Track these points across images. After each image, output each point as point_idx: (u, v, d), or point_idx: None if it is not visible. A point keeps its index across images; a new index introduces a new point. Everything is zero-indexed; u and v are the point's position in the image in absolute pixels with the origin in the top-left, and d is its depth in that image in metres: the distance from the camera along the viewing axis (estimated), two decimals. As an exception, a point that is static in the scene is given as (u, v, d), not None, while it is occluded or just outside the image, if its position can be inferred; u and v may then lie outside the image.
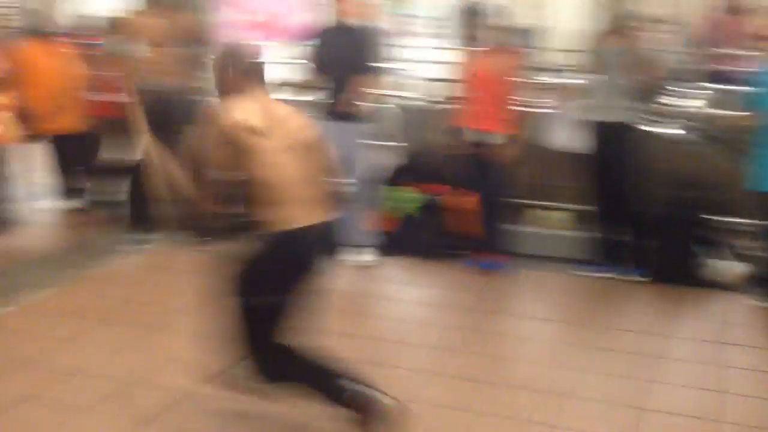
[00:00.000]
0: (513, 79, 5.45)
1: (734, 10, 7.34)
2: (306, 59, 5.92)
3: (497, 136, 5.45)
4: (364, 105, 5.72)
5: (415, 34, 10.52)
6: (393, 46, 9.60)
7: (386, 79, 5.86)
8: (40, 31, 6.92)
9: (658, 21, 6.83)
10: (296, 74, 6.11)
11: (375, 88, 5.75)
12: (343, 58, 5.65)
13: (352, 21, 5.67)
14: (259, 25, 11.12)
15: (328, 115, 5.69)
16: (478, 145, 5.51)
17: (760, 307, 5.02)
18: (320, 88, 5.81)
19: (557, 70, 7.66)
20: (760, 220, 5.12)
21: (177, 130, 6.05)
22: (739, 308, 5.05)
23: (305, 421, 3.67)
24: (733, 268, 5.38)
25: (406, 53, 9.79)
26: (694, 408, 3.80)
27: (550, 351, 4.49)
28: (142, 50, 6.02)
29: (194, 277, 5.55)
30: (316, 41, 5.86)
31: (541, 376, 4.16)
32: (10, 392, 3.94)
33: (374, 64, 5.70)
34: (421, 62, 9.73)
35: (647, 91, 5.45)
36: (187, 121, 6.11)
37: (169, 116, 6.00)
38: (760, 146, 4.90)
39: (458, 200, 5.98)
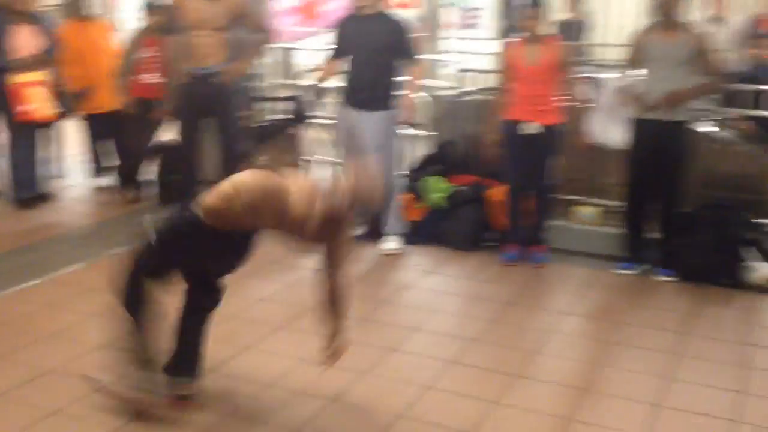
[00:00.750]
0: (555, 70, 5.38)
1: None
2: (329, 46, 5.94)
3: (537, 126, 5.41)
4: (393, 94, 5.71)
5: (451, 25, 10.52)
6: (427, 35, 9.61)
7: (419, 68, 5.79)
8: (79, 11, 7.01)
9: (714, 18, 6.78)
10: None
11: (407, 76, 5.72)
12: (363, 46, 5.64)
13: (375, 9, 5.64)
14: (297, 11, 11.15)
15: (350, 103, 5.71)
16: (516, 136, 5.48)
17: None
18: (339, 75, 5.84)
19: (602, 65, 7.62)
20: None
21: (216, 114, 6.11)
22: (768, 310, 4.99)
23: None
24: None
25: (442, 43, 9.81)
26: (712, 407, 3.76)
27: (571, 345, 4.47)
28: (187, 33, 5.99)
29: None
30: (338, 28, 5.88)
31: (561, 369, 4.15)
32: (37, 364, 4.02)
33: (404, 52, 5.67)
34: (457, 52, 9.74)
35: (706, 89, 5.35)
36: (227, 106, 6.17)
37: (209, 100, 6.02)
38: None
39: (488, 191, 5.97)
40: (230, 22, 6.01)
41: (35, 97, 6.33)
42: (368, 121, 5.68)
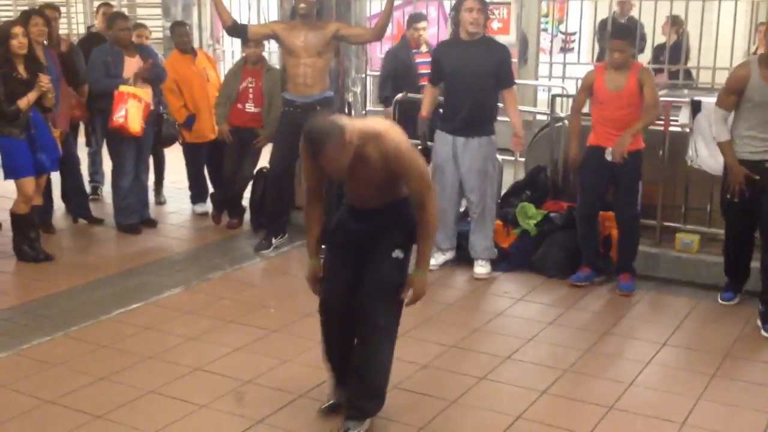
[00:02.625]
0: (634, 96, 5.26)
1: None
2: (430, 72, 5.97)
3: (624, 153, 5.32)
4: (492, 119, 5.74)
5: (547, 50, 10.45)
6: (518, 61, 9.57)
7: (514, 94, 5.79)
8: (183, 44, 7.23)
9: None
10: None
11: (506, 102, 5.76)
12: (465, 71, 5.62)
13: (475, 35, 5.64)
14: (389, 39, 11.25)
15: (448, 129, 5.73)
16: (592, 161, 5.41)
17: None
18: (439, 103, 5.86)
19: (703, 88, 7.43)
20: None
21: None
22: None
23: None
24: None
25: (537, 68, 9.74)
26: (817, 445, 3.62)
27: (666, 376, 4.36)
28: (290, 60, 6.10)
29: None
30: (437, 53, 5.92)
31: (655, 401, 4.05)
32: (136, 385, 4.15)
33: (505, 79, 5.70)
34: (552, 77, 9.67)
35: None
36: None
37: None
38: None
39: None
40: (328, 46, 6.10)
41: (132, 108, 6.45)
42: (467, 148, 5.68)
